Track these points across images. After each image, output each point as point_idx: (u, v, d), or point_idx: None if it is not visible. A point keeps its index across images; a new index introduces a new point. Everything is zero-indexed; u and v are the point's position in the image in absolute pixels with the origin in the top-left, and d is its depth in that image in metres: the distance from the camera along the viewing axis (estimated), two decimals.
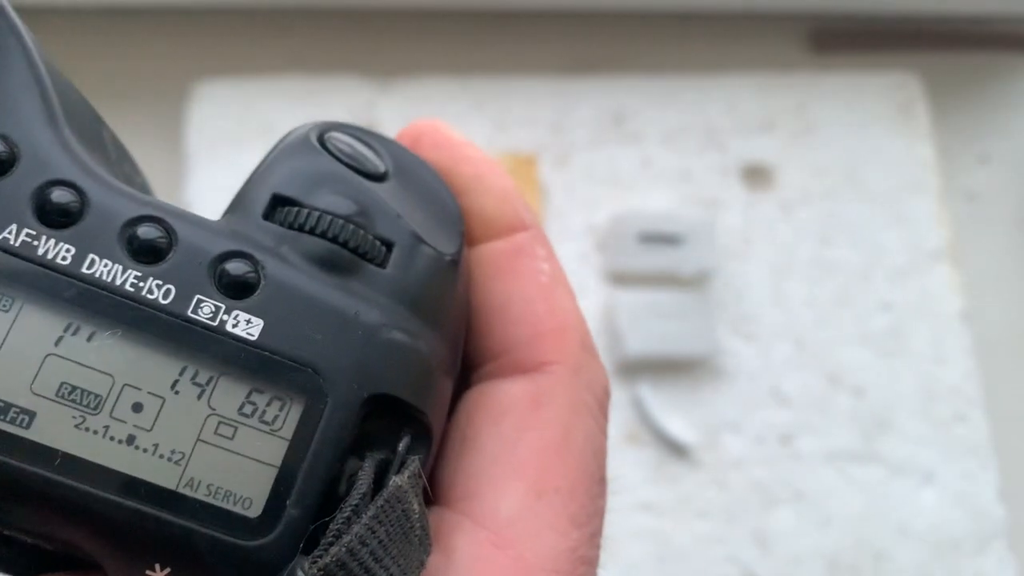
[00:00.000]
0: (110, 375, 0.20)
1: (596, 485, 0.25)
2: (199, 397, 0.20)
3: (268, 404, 0.21)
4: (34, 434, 0.20)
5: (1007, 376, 0.63)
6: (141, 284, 0.21)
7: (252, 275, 0.21)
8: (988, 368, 0.61)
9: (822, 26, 0.70)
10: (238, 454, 0.20)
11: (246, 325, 0.21)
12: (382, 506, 0.21)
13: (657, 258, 0.60)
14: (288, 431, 0.21)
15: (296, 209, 0.22)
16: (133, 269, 0.21)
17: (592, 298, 0.60)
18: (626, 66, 0.68)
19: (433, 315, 0.23)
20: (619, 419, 0.58)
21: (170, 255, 0.21)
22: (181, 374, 0.20)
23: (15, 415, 0.19)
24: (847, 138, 0.65)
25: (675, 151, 0.64)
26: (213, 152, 0.61)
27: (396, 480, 0.21)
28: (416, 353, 0.22)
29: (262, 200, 0.23)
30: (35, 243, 0.20)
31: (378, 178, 0.24)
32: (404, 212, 0.24)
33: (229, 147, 0.61)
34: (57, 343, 0.20)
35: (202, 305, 0.21)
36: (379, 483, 0.21)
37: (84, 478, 0.20)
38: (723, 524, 0.57)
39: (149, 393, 0.20)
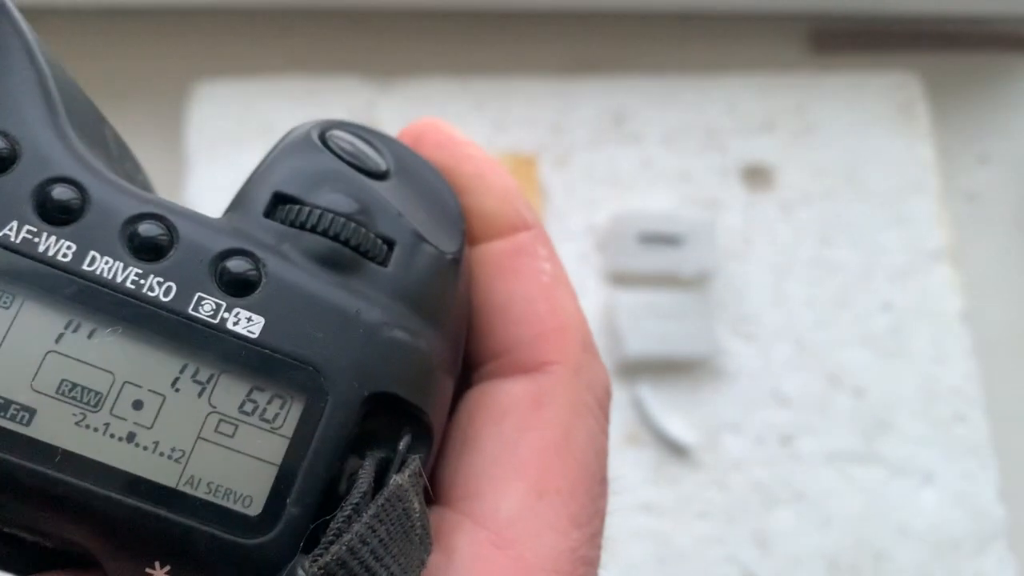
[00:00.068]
0: (111, 372, 0.20)
1: (597, 485, 0.25)
2: (200, 395, 0.20)
3: (269, 402, 0.21)
4: (34, 431, 0.19)
5: (1007, 376, 0.63)
6: (142, 281, 0.21)
7: (253, 273, 0.21)
8: (988, 368, 0.61)
9: (822, 26, 0.70)
10: (239, 452, 0.20)
11: (247, 323, 0.21)
12: (383, 505, 0.20)
13: (657, 258, 0.60)
14: (289, 429, 0.21)
15: (297, 207, 0.22)
16: (134, 266, 0.21)
17: (592, 298, 0.60)
18: (626, 66, 0.68)
19: (434, 314, 0.23)
20: (619, 420, 0.58)
21: (171, 252, 0.21)
22: (182, 372, 0.20)
23: (15, 412, 0.19)
24: (847, 138, 0.65)
25: (675, 151, 0.64)
26: (213, 152, 0.61)
27: (397, 479, 0.21)
28: (417, 352, 0.22)
29: (263, 198, 0.23)
30: (36, 240, 0.20)
31: (379, 176, 0.24)
32: (405, 211, 0.24)
33: (229, 147, 0.61)
34: (58, 340, 0.20)
35: (203, 303, 0.21)
36: (380, 482, 0.21)
37: (84, 475, 0.19)
38: (723, 524, 0.57)
39: (150, 391, 0.20)
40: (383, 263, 0.23)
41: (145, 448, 0.20)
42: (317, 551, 0.20)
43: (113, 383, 0.20)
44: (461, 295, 0.25)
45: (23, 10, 0.23)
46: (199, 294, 0.21)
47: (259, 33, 0.67)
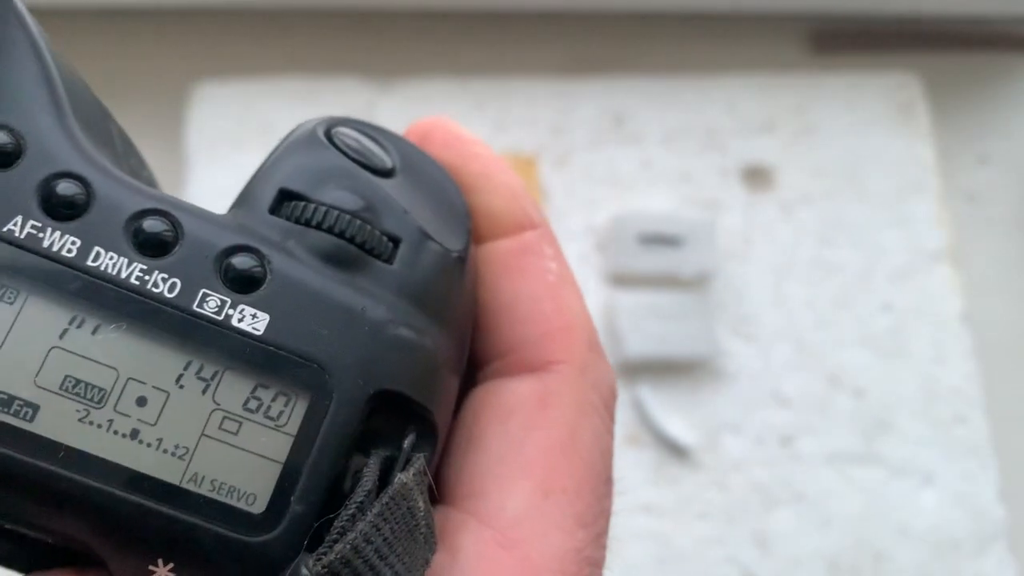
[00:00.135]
0: (114, 369, 0.20)
1: (603, 485, 0.25)
2: (204, 392, 0.20)
3: (273, 399, 0.21)
4: (38, 427, 0.19)
5: (1007, 377, 0.63)
6: (146, 277, 0.20)
7: (258, 269, 0.21)
8: (988, 369, 0.61)
9: (822, 26, 0.70)
10: (242, 449, 0.20)
11: (252, 320, 0.21)
12: (387, 503, 0.20)
13: (657, 259, 0.60)
14: (293, 427, 0.20)
15: (303, 204, 0.22)
16: (138, 262, 0.21)
17: (592, 299, 0.60)
18: (626, 67, 0.68)
19: (439, 312, 0.23)
20: (619, 420, 0.57)
21: (176, 249, 0.21)
22: (186, 368, 0.20)
23: (19, 408, 0.19)
24: (847, 138, 0.65)
25: (675, 152, 0.64)
26: (213, 152, 0.61)
27: (401, 477, 0.21)
28: (422, 350, 0.22)
29: (269, 195, 0.23)
30: (40, 235, 0.20)
31: (385, 174, 0.24)
32: (411, 208, 0.23)
33: (229, 147, 0.61)
34: (62, 336, 0.20)
35: (208, 299, 0.21)
36: (384, 480, 0.21)
37: (87, 472, 0.19)
38: (723, 525, 0.57)
39: (153, 387, 0.20)
40: (388, 261, 0.23)
41: (149, 445, 0.20)
42: (321, 549, 0.20)
43: (117, 379, 0.20)
44: (467, 293, 0.25)
45: None
46: (204, 290, 0.21)
47: (259, 33, 0.67)
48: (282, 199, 0.23)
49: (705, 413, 0.59)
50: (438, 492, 0.24)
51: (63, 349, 0.20)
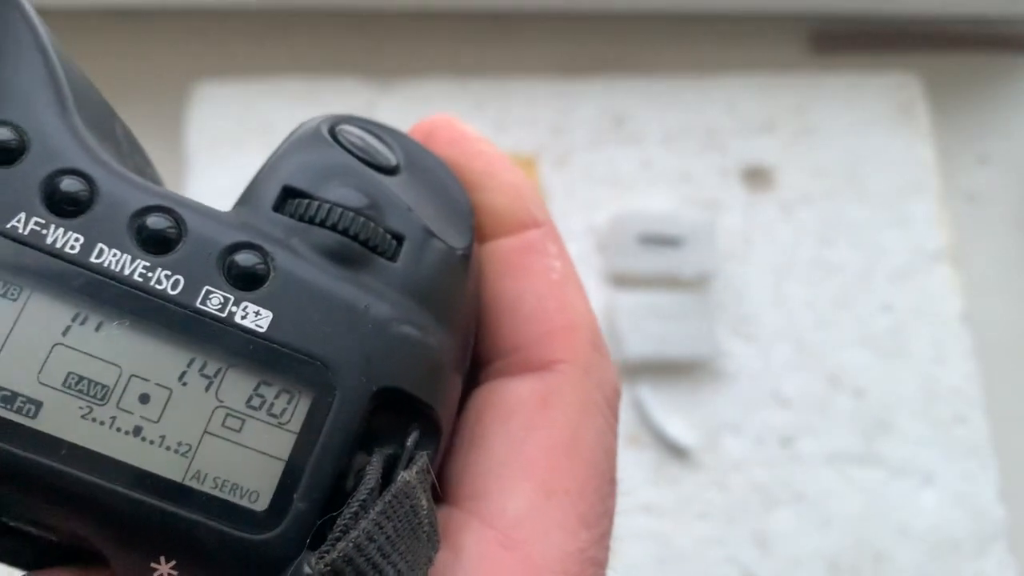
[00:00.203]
0: (117, 366, 0.20)
1: (606, 485, 0.24)
2: (207, 389, 0.20)
3: (276, 397, 0.20)
4: (40, 424, 0.19)
5: (1007, 377, 0.63)
6: (150, 274, 0.20)
7: (261, 267, 0.21)
8: (988, 369, 0.61)
9: (822, 27, 0.70)
10: (245, 447, 0.20)
11: (255, 317, 0.21)
12: (390, 501, 0.20)
13: (657, 259, 0.60)
14: (296, 424, 0.20)
15: (306, 201, 0.22)
16: (142, 259, 0.21)
17: (592, 299, 0.59)
18: (626, 67, 0.68)
19: (443, 310, 0.23)
20: (620, 420, 0.57)
21: (179, 246, 0.21)
22: (189, 366, 0.20)
23: (22, 405, 0.19)
24: (847, 139, 0.65)
25: (675, 152, 0.64)
26: (213, 153, 0.61)
27: (404, 475, 0.21)
28: (425, 347, 0.22)
29: (272, 192, 0.23)
30: (44, 232, 0.20)
31: (389, 171, 0.24)
32: (415, 206, 0.23)
33: (229, 148, 0.61)
34: (65, 333, 0.20)
35: (211, 296, 0.21)
36: (387, 478, 0.21)
37: (90, 469, 0.19)
38: (723, 525, 0.57)
39: (156, 384, 0.20)
40: (392, 258, 0.23)
41: (151, 442, 0.20)
42: (324, 547, 0.20)
43: (120, 376, 0.20)
44: (470, 291, 0.25)
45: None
46: (207, 287, 0.21)
47: (259, 33, 0.67)
48: (286, 196, 0.23)
49: (705, 413, 0.59)
50: (441, 492, 0.24)
51: (66, 346, 0.20)
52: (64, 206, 0.20)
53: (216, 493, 0.20)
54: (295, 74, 0.64)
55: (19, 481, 0.19)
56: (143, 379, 0.20)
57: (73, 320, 0.20)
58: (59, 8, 0.64)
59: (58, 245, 0.20)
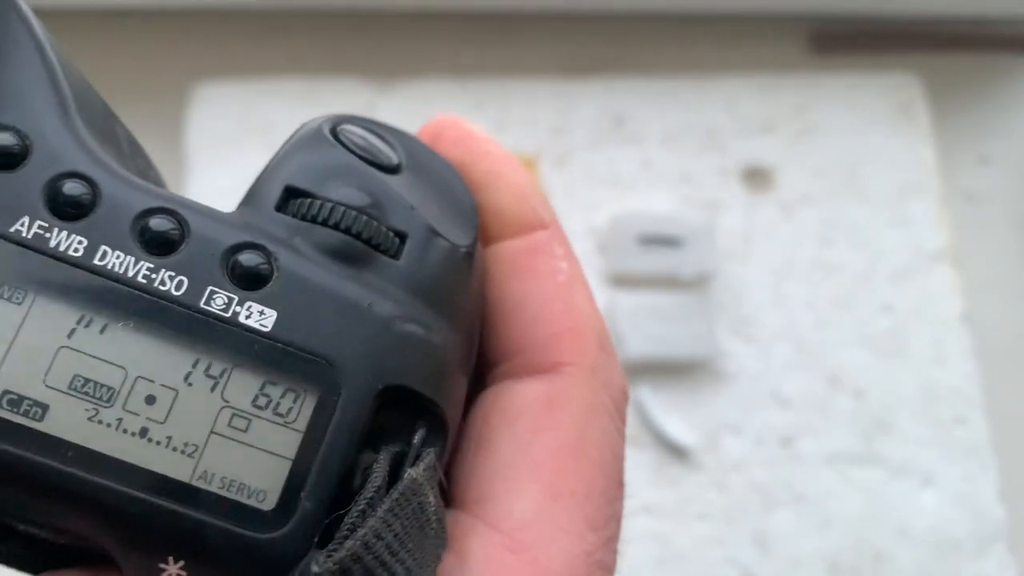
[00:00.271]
0: (123, 367, 0.20)
1: (613, 488, 0.24)
2: (212, 389, 0.20)
3: (282, 396, 0.20)
4: (47, 427, 0.19)
5: (1007, 378, 0.63)
6: (153, 276, 0.20)
7: (265, 266, 0.21)
8: (988, 370, 0.61)
9: (822, 27, 0.70)
10: (252, 447, 0.20)
11: (259, 316, 0.21)
12: (397, 499, 0.20)
13: (657, 260, 0.60)
14: (302, 423, 0.20)
15: (309, 201, 0.22)
16: (145, 261, 0.21)
17: None
18: (626, 67, 0.68)
19: (447, 307, 0.23)
20: None
21: (182, 247, 0.21)
22: (194, 366, 0.20)
23: (28, 407, 0.19)
24: (847, 139, 0.65)
25: (675, 152, 0.64)
26: (213, 153, 0.61)
27: (411, 473, 0.21)
28: (430, 345, 0.22)
29: (275, 192, 0.23)
30: (47, 235, 0.20)
31: (391, 170, 0.24)
32: (418, 204, 0.23)
33: (229, 148, 0.61)
34: (70, 335, 0.20)
35: (215, 297, 0.21)
36: (394, 476, 0.21)
37: (97, 471, 0.19)
38: (723, 526, 0.57)
39: (162, 385, 0.20)
40: (395, 256, 0.23)
41: (158, 443, 0.20)
42: (331, 546, 0.20)
43: (126, 378, 0.20)
44: (474, 290, 0.25)
45: None
46: (211, 288, 0.21)
47: (259, 33, 0.67)
48: (288, 196, 0.23)
49: (705, 414, 0.59)
50: (447, 495, 0.24)
51: (71, 348, 0.20)
52: (67, 209, 0.20)
53: (223, 493, 0.20)
54: (295, 74, 0.64)
55: (27, 484, 0.19)
56: (149, 380, 0.20)
57: (78, 323, 0.20)
58: (59, 8, 0.64)
59: (62, 248, 0.20)
